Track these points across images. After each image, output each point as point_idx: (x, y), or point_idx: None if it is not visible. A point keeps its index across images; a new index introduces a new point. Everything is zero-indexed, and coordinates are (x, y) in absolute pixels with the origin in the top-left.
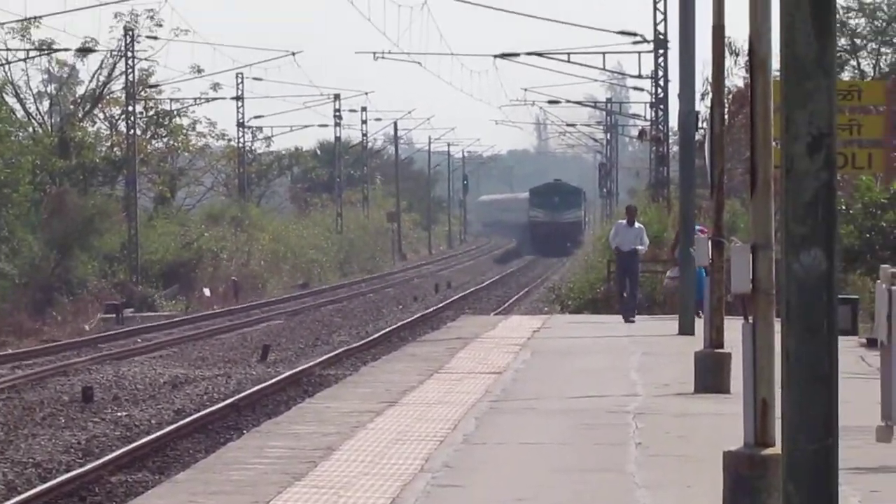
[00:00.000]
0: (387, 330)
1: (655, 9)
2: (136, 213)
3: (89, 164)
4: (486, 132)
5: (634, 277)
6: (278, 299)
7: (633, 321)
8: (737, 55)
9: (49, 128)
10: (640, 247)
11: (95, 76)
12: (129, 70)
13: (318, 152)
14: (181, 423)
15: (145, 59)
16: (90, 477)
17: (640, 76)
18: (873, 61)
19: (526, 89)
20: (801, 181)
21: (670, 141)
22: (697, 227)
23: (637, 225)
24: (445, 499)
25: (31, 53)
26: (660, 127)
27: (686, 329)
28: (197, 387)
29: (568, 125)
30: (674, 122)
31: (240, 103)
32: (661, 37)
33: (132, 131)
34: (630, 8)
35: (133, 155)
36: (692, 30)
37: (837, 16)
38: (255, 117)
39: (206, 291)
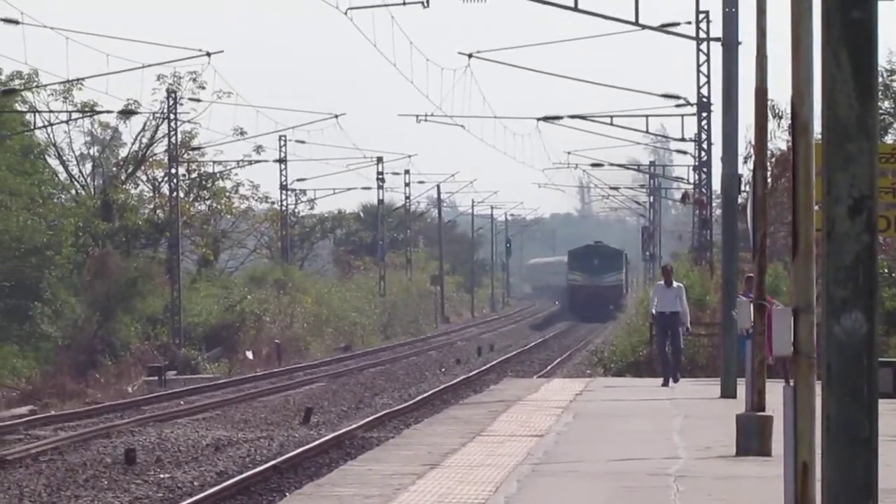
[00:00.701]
0: (429, 393)
1: (699, 72)
2: (178, 275)
3: (132, 226)
4: (529, 195)
5: (677, 338)
6: (321, 362)
7: (677, 381)
8: (780, 118)
9: (92, 190)
10: (685, 317)
11: (138, 138)
12: (172, 132)
13: (361, 215)
14: (224, 485)
15: (188, 122)
16: None
17: (683, 139)
18: None
19: (569, 152)
20: (842, 244)
21: (713, 204)
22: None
23: (676, 284)
24: None
25: (74, 115)
26: (703, 190)
27: (728, 392)
28: (239, 449)
29: (611, 188)
30: (717, 185)
31: (283, 166)
32: (705, 99)
33: (175, 194)
34: (673, 71)
35: (176, 217)
36: (735, 93)
37: (880, 78)
38: (298, 180)
39: (249, 354)
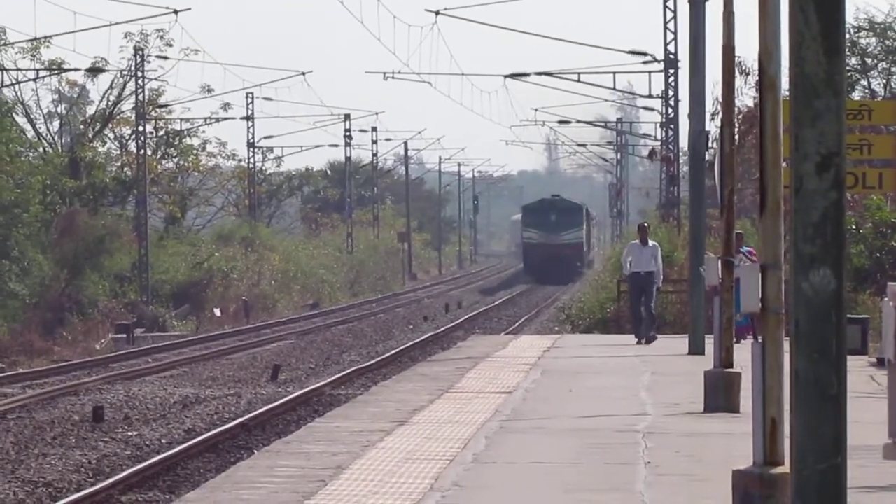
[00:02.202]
0: (397, 350)
1: (666, 28)
2: (146, 233)
3: (99, 184)
4: (496, 152)
5: (650, 298)
6: (288, 319)
7: (655, 337)
8: (747, 75)
9: (59, 148)
10: (659, 277)
11: (105, 96)
12: (140, 90)
13: (329, 172)
14: (191, 442)
15: (155, 79)
16: (100, 496)
17: (650, 96)
18: (884, 81)
19: (536, 109)
20: (810, 200)
21: (680, 161)
22: (746, 249)
23: (651, 243)
24: None
25: (41, 73)
26: (670, 147)
27: (696, 349)
28: (207, 406)
29: (578, 145)
30: (684, 141)
31: (250, 123)
32: (672, 56)
33: (142, 151)
34: (640, 28)
35: (143, 175)
36: (702, 49)
37: (848, 35)
38: (266, 137)
39: (217, 311)
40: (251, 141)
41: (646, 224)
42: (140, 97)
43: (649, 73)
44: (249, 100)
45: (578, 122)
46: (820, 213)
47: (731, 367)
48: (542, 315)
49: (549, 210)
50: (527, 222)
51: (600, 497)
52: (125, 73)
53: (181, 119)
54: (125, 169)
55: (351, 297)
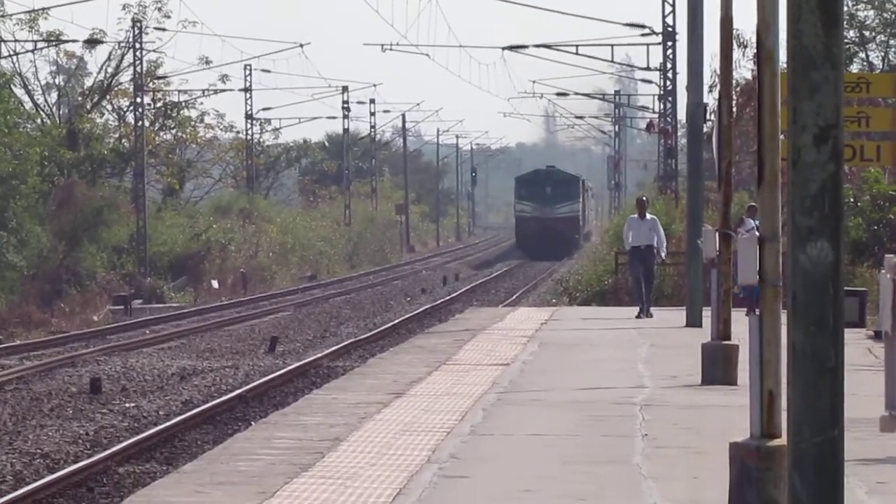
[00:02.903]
0: (395, 322)
1: (664, 1)
2: (144, 204)
3: (97, 155)
4: (494, 124)
5: (650, 273)
6: (286, 291)
7: (651, 316)
8: (745, 47)
9: (57, 119)
10: (661, 250)
11: (104, 68)
12: (138, 62)
13: (327, 144)
14: (189, 414)
15: (153, 51)
16: (98, 468)
17: (648, 68)
18: (882, 54)
19: (534, 81)
20: (807, 173)
21: (678, 133)
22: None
23: (649, 216)
24: (452, 490)
25: (39, 45)
26: (668, 119)
27: (694, 321)
28: (205, 378)
29: (576, 117)
30: (682, 114)
31: (248, 95)
32: (670, 29)
33: (140, 123)
34: (639, 0)
35: (141, 147)
36: (700, 22)
37: (846, 7)
38: (264, 109)
39: (215, 283)
40: (249, 113)
41: (644, 198)
42: (138, 69)
43: (647, 45)
44: (247, 72)
45: (576, 94)
46: (818, 186)
47: (729, 339)
48: (540, 287)
49: (543, 182)
50: (520, 194)
51: (598, 469)
52: (123, 44)
53: (179, 91)
54: (123, 141)
55: (349, 269)
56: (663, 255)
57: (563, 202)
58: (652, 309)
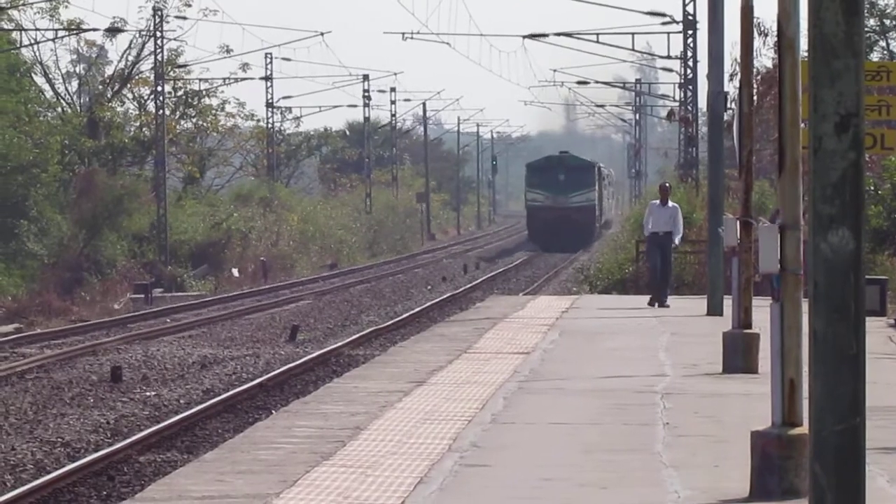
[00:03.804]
0: (415, 310)
1: None
2: (164, 193)
3: (118, 144)
4: (514, 113)
5: (668, 261)
6: (307, 279)
7: (667, 306)
8: (766, 35)
9: (78, 108)
10: (676, 237)
11: (124, 56)
12: (158, 50)
13: (347, 133)
14: (210, 402)
15: (174, 40)
16: (118, 456)
17: (668, 57)
18: None
19: (555, 70)
20: (828, 161)
21: (699, 122)
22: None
23: (671, 204)
24: (473, 478)
25: (60, 34)
26: (688, 108)
27: (715, 310)
28: (226, 367)
29: (597, 106)
30: (702, 102)
31: (269, 84)
32: (690, 17)
33: (161, 111)
34: None
35: (162, 135)
36: (721, 10)
37: None
38: (284, 98)
39: (235, 272)
40: (270, 101)
41: (667, 184)
42: (159, 57)
43: (668, 33)
44: (268, 60)
45: (597, 82)
46: (839, 174)
47: (750, 327)
48: (561, 276)
49: (556, 168)
50: (531, 182)
51: (619, 457)
52: (144, 33)
53: (200, 79)
54: (144, 129)
55: (369, 257)
56: (677, 241)
57: (577, 190)
58: (672, 297)
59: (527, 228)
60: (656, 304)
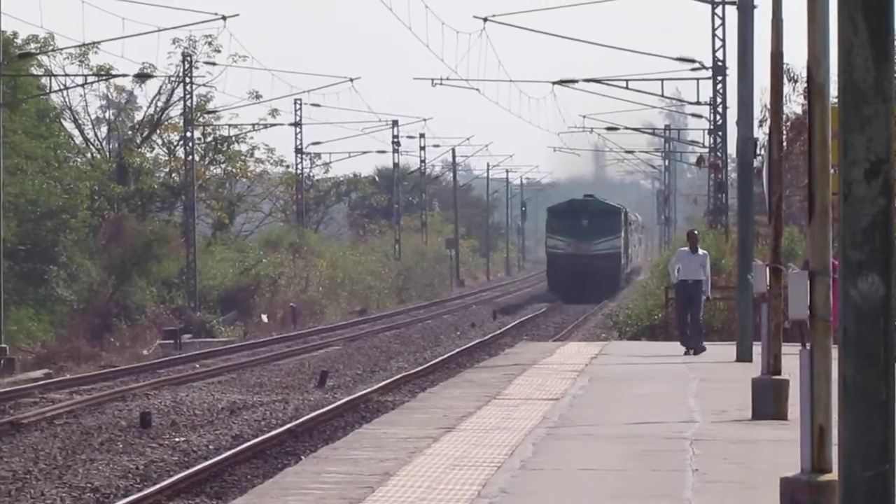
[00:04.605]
0: (444, 356)
1: (714, 35)
2: (194, 238)
3: (147, 189)
4: (544, 159)
5: (698, 308)
6: (336, 325)
7: (704, 348)
8: (795, 81)
9: (107, 153)
10: (707, 286)
11: (153, 102)
12: (188, 96)
13: (376, 178)
14: (239, 448)
15: (203, 85)
16: (148, 502)
17: (698, 103)
18: None
19: (584, 116)
20: (858, 207)
21: (728, 168)
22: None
23: (701, 251)
24: None
25: (90, 79)
26: (718, 154)
27: (744, 356)
28: (255, 412)
29: (626, 152)
30: (732, 148)
31: (298, 129)
32: (720, 63)
33: (190, 157)
34: (688, 34)
35: (191, 181)
36: (751, 56)
37: None
38: (314, 143)
39: (264, 317)
40: (299, 147)
41: (696, 232)
42: (188, 103)
43: (697, 79)
44: (297, 106)
45: (626, 128)
46: (868, 220)
47: (779, 374)
48: (590, 322)
49: (579, 213)
50: (552, 227)
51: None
52: (173, 78)
53: (229, 125)
54: (173, 175)
55: (398, 303)
56: (709, 294)
57: (601, 237)
58: (703, 346)
59: (546, 277)
60: (692, 352)
